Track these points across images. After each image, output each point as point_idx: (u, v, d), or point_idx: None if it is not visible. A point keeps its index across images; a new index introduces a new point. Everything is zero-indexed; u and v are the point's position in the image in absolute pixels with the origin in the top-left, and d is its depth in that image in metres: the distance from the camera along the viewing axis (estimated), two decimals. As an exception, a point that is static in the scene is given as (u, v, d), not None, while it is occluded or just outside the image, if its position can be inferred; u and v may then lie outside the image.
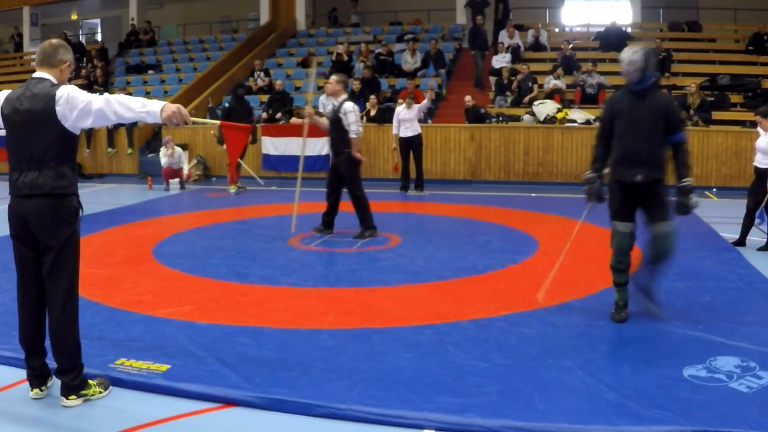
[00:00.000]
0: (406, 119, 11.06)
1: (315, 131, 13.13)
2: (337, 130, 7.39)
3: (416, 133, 11.11)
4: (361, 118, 13.19)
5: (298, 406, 3.28)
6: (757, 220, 7.08)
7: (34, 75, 3.32)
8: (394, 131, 11.26)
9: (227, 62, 16.98)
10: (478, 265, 6.21)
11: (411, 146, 11.16)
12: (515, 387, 3.46)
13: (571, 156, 12.35)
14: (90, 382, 3.38)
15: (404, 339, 4.21)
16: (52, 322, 3.27)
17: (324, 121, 7.73)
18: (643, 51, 4.33)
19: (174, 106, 3.27)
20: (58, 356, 3.29)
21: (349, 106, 7.40)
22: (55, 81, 3.30)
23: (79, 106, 3.18)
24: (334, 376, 3.61)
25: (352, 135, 7.35)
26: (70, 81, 16.56)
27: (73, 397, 3.30)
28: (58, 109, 3.17)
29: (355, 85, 13.75)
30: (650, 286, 4.60)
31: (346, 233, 7.70)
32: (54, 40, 3.43)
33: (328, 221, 7.69)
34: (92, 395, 3.36)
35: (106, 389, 3.44)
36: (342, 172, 7.46)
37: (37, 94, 3.21)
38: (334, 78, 7.64)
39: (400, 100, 11.56)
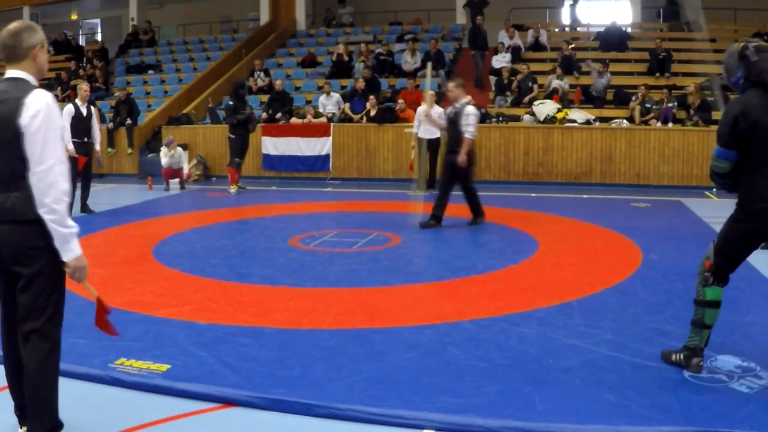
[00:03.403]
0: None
1: (314, 131, 13.23)
2: (456, 130, 7.96)
3: (435, 137, 10.76)
4: (361, 118, 13.29)
5: (298, 406, 3.28)
6: None
7: (7, 75, 2.73)
8: (414, 130, 10.95)
9: (227, 62, 16.97)
10: (478, 265, 6.21)
11: (429, 148, 10.88)
12: (515, 387, 3.46)
13: (571, 156, 12.35)
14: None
15: (404, 339, 4.21)
16: (28, 372, 2.70)
17: (440, 122, 8.49)
18: (726, 56, 3.61)
19: (85, 264, 2.76)
20: (34, 415, 2.73)
21: (471, 109, 8.02)
22: (31, 79, 2.74)
23: (42, 130, 2.61)
24: (334, 376, 3.61)
25: (467, 135, 7.87)
26: (70, 80, 16.37)
27: None
28: (23, 119, 2.60)
29: (359, 83, 13.76)
30: None
31: (346, 233, 7.71)
32: (12, 26, 2.78)
33: (439, 216, 8.06)
34: None
35: None
36: (456, 168, 7.94)
37: (7, 99, 2.64)
38: (452, 84, 8.25)
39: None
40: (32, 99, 2.63)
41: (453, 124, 8.03)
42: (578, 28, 17.84)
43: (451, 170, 7.99)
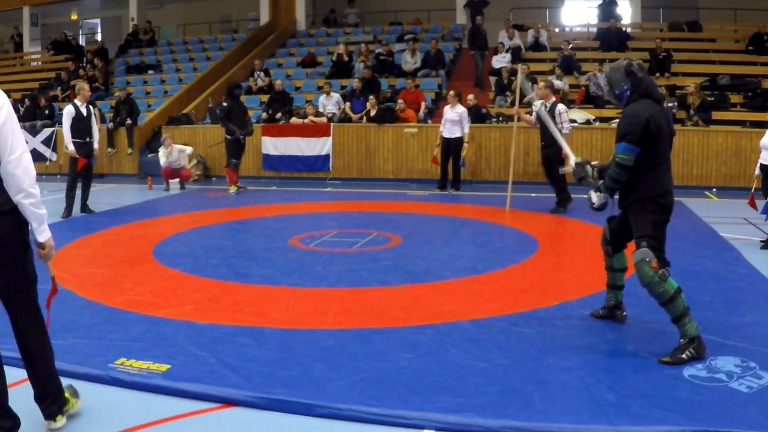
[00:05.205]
0: (448, 119, 11.08)
1: (314, 131, 13.24)
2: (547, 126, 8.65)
3: (454, 136, 11.08)
4: (361, 118, 13.30)
5: (298, 406, 3.29)
6: (765, 216, 7.07)
7: None
8: (441, 129, 11.27)
9: (227, 62, 16.98)
10: (478, 265, 6.21)
11: (450, 147, 11.18)
12: (515, 387, 3.47)
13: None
14: (66, 395, 3.17)
15: (404, 339, 4.21)
16: (32, 351, 3.00)
17: (530, 118, 9.51)
18: (606, 71, 4.10)
19: (52, 245, 2.96)
20: (46, 385, 3.04)
21: (562, 107, 9.19)
22: None
23: (9, 122, 2.75)
24: (334, 376, 3.61)
25: (566, 131, 8.81)
26: (70, 80, 16.38)
27: (59, 417, 3.10)
28: None
29: (356, 84, 13.77)
30: None
31: (346, 233, 7.71)
32: None
33: (567, 198, 9.21)
34: (72, 408, 3.19)
35: (78, 396, 3.27)
36: (552, 160, 8.98)
37: None
38: (542, 84, 9.37)
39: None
40: None
41: (544, 121, 8.80)
42: (577, 28, 17.84)
43: (549, 162, 9.11)
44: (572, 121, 12.42)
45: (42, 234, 2.89)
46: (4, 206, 2.77)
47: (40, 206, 2.84)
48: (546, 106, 8.91)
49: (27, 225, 2.89)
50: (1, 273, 2.84)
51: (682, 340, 3.81)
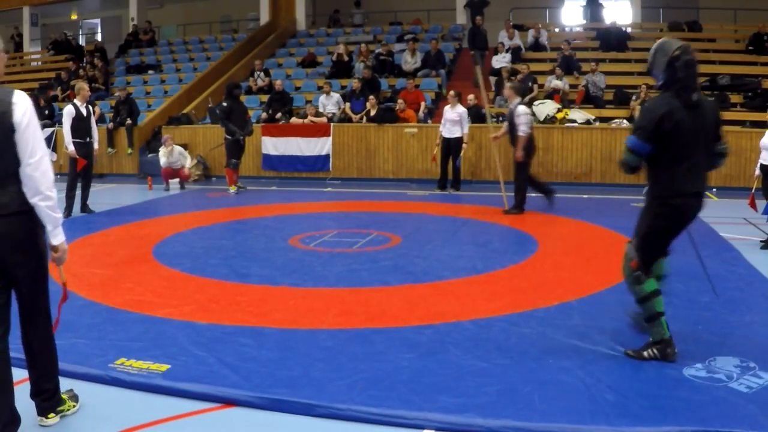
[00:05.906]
0: (448, 119, 11.14)
1: (314, 131, 13.23)
2: (513, 128, 9.00)
3: (454, 136, 11.16)
4: (361, 118, 13.29)
5: (298, 406, 3.29)
6: (766, 216, 7.07)
7: None
8: (441, 129, 11.36)
9: (227, 62, 16.98)
10: (478, 265, 6.21)
11: (449, 147, 11.25)
12: (515, 387, 3.47)
13: (570, 156, 12.35)
14: (63, 397, 3.22)
15: (404, 339, 4.21)
16: (35, 347, 3.06)
17: (500, 133, 9.43)
18: (657, 45, 3.85)
19: (66, 249, 3.04)
20: (46, 380, 3.11)
21: (522, 109, 8.93)
22: None
23: (32, 125, 2.84)
24: (334, 376, 3.61)
25: (520, 133, 8.81)
26: (70, 80, 16.39)
27: (52, 415, 3.15)
28: (16, 116, 2.80)
29: (355, 84, 13.77)
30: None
31: (346, 233, 7.71)
32: None
33: (549, 191, 9.47)
34: (68, 410, 3.22)
35: (77, 402, 3.31)
36: (516, 160, 9.04)
37: None
38: (508, 85, 9.52)
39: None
40: (18, 98, 2.85)
41: (510, 124, 9.03)
42: (577, 29, 17.84)
43: (515, 164, 9.09)
44: (572, 121, 12.50)
45: (56, 237, 2.96)
46: (22, 207, 2.85)
47: (56, 210, 2.91)
48: (510, 109, 9.07)
49: (43, 226, 2.95)
50: (17, 270, 2.92)
51: (650, 340, 3.86)
